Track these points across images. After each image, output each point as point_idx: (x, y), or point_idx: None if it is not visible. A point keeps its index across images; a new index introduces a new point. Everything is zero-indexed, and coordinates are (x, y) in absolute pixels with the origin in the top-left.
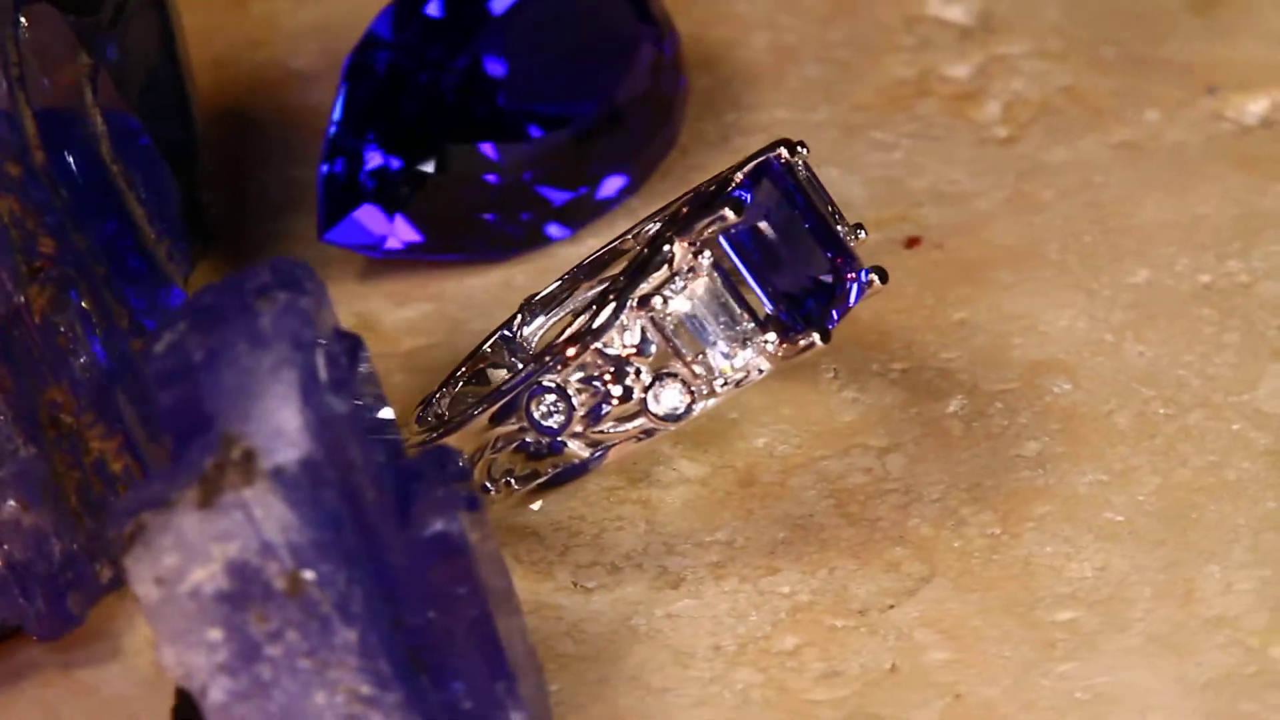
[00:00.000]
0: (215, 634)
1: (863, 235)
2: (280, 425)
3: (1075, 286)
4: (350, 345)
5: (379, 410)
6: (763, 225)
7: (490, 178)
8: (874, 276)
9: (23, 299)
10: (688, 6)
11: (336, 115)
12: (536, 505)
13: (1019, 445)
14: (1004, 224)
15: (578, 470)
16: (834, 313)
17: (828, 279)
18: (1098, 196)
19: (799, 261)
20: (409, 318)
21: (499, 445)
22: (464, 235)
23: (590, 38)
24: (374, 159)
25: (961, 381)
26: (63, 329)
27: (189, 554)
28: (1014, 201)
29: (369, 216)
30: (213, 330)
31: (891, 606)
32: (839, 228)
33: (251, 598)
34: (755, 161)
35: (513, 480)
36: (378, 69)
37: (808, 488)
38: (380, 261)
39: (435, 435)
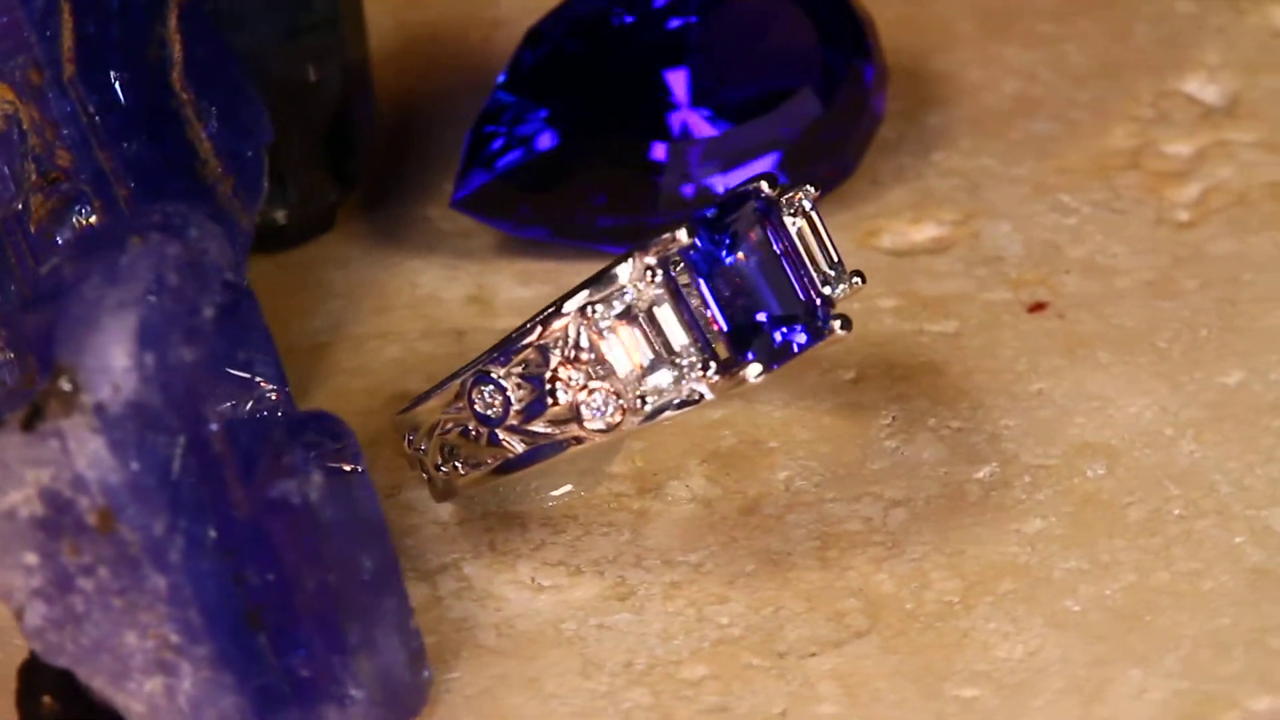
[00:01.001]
0: (30, 558)
1: (858, 283)
2: (109, 363)
3: (1164, 377)
4: (232, 299)
5: (260, 366)
6: (739, 255)
7: (655, 177)
8: (835, 324)
9: (21, 206)
10: (953, 44)
11: (501, 79)
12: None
13: (1023, 520)
14: (1133, 305)
15: (522, 463)
16: (781, 338)
17: (794, 317)
18: (1237, 294)
19: (765, 297)
20: (525, 298)
21: (448, 427)
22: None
23: (776, 53)
24: (525, 135)
25: (1004, 450)
26: (59, 242)
27: (6, 475)
28: (1155, 285)
29: (500, 193)
30: (84, 259)
31: (813, 654)
32: (829, 272)
33: (64, 529)
34: (736, 192)
35: (459, 464)
36: (555, 43)
37: (801, 526)
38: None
39: (400, 411)
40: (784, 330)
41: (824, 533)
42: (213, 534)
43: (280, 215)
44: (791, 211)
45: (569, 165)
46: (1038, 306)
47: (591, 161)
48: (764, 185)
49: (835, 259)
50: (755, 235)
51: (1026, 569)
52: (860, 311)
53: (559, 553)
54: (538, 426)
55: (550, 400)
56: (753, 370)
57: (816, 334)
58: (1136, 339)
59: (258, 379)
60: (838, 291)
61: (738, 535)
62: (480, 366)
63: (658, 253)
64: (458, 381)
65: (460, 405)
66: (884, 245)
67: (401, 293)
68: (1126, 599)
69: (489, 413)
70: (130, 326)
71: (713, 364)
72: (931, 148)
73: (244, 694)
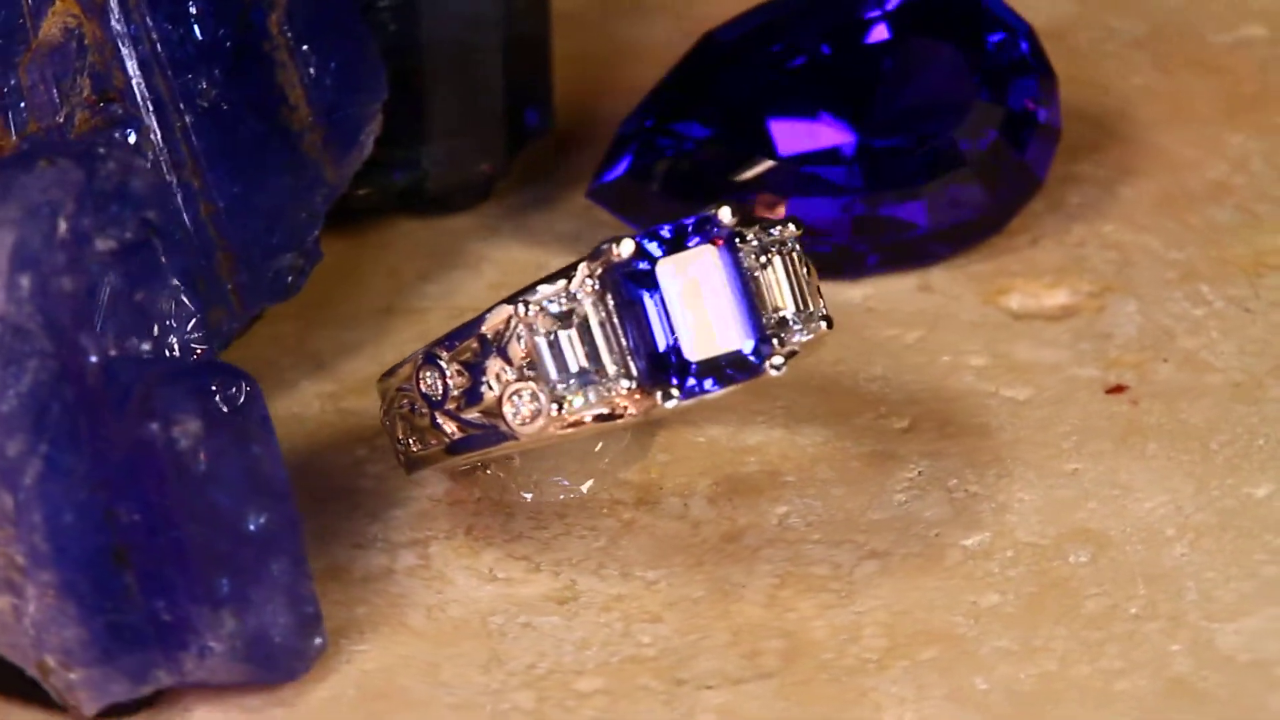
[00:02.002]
0: None
1: (823, 327)
2: None
3: (1196, 478)
4: (140, 239)
5: (168, 310)
6: (689, 280)
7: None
8: (769, 364)
9: (63, 119)
10: (1186, 120)
11: (666, 78)
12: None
13: (982, 593)
14: (1209, 403)
15: (464, 447)
16: (690, 386)
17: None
18: None
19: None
20: None
21: (403, 403)
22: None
23: (934, 98)
24: (671, 139)
25: (1004, 522)
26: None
27: None
28: (1241, 388)
29: (632, 191)
30: None
31: (709, 688)
32: (789, 311)
33: None
34: (698, 217)
35: (412, 440)
36: (725, 53)
37: (771, 562)
38: None
39: (380, 378)
40: (698, 361)
41: (788, 572)
42: (84, 465)
43: (426, 178)
44: (760, 245)
45: (703, 176)
46: (1116, 389)
47: (725, 176)
48: (723, 214)
49: (804, 300)
50: (715, 264)
51: (958, 640)
52: (946, 365)
53: (529, 548)
54: (472, 415)
55: (483, 391)
56: (660, 395)
57: (747, 370)
58: (1192, 437)
59: (167, 321)
60: (796, 334)
61: (705, 560)
62: (431, 348)
63: (603, 263)
64: (412, 360)
65: (410, 383)
66: (1008, 305)
67: (525, 272)
68: (1037, 686)
69: (431, 395)
70: (6, 245)
71: (632, 381)
72: (1108, 218)
73: (89, 626)
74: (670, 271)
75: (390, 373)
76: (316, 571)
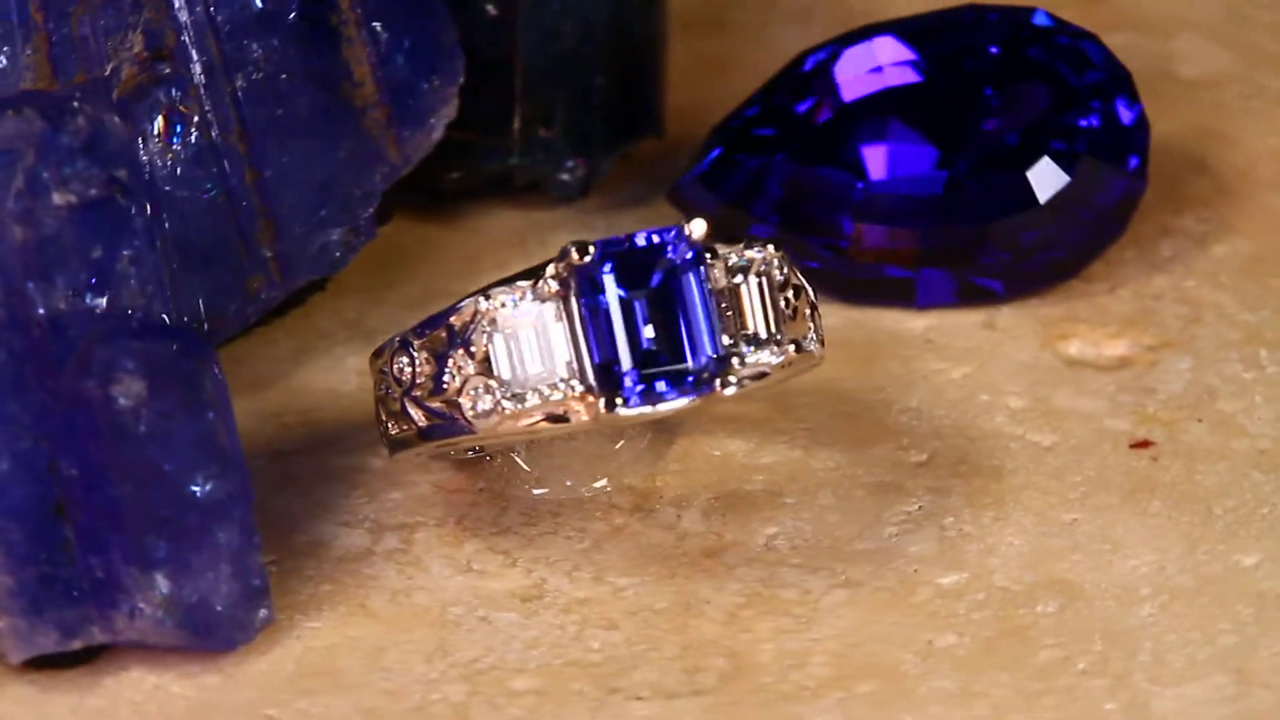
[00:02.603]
0: None
1: (792, 350)
2: None
3: (1190, 540)
4: (105, 196)
5: (129, 270)
6: (654, 291)
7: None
8: (723, 384)
9: (108, 72)
10: None
11: (759, 90)
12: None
13: (940, 633)
14: (1228, 468)
15: (433, 435)
16: (635, 397)
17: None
18: None
19: (674, 341)
20: None
21: (381, 385)
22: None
23: (1027, 123)
24: (748, 155)
25: (986, 565)
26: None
27: None
28: (1267, 454)
29: (705, 199)
30: None
31: (640, 699)
32: (760, 333)
33: None
34: (672, 229)
35: (390, 423)
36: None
37: (743, 581)
38: None
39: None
40: (646, 374)
41: (757, 593)
42: (27, 415)
43: (514, 167)
44: (735, 264)
45: (776, 192)
46: (1141, 444)
47: (800, 195)
48: (693, 229)
49: (773, 323)
50: (661, 275)
51: (900, 677)
52: (982, 404)
53: (512, 543)
54: (435, 404)
55: (445, 381)
56: (602, 403)
57: (697, 387)
58: (1200, 499)
59: (128, 281)
60: (760, 357)
61: (679, 573)
62: (406, 334)
63: (566, 266)
64: (390, 343)
65: (388, 366)
66: (1066, 350)
67: None
68: None
69: (402, 380)
70: None
71: (583, 386)
72: (1191, 273)
73: (18, 576)
74: (623, 280)
75: (378, 353)
76: (298, 545)
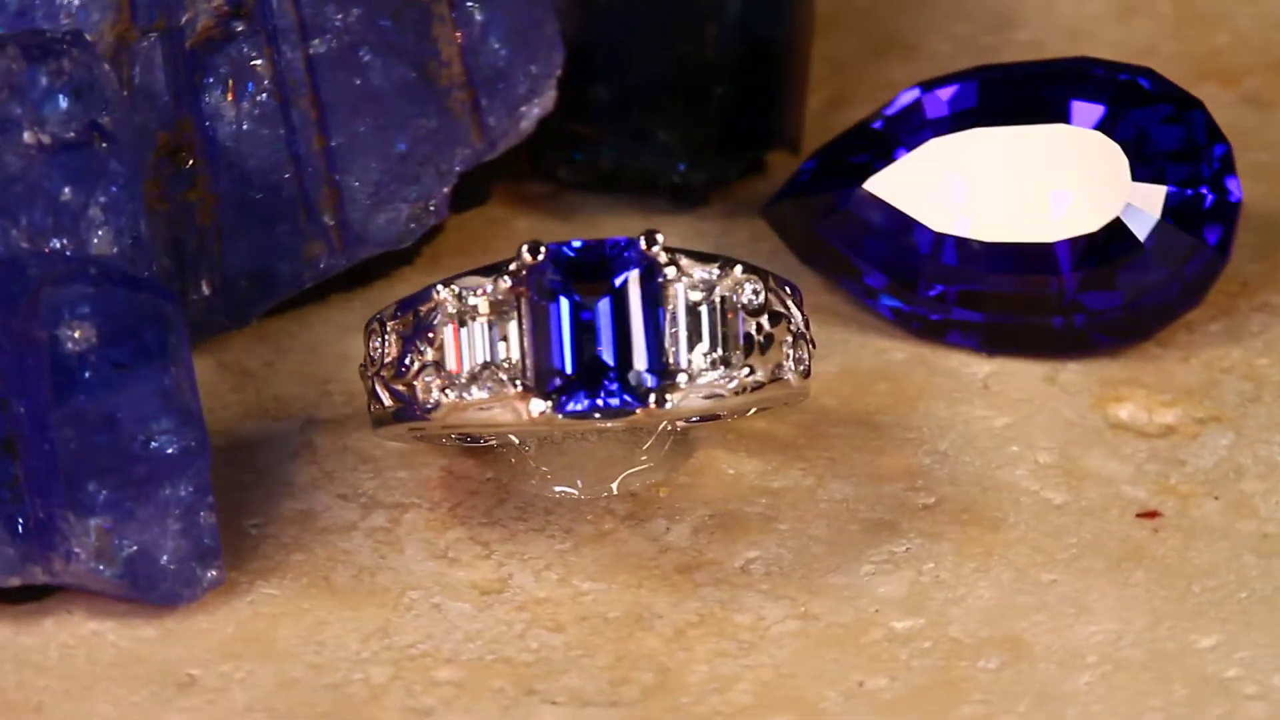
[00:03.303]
0: None
1: (745, 374)
2: None
3: (1157, 614)
4: (83, 140)
5: (94, 213)
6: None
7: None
8: (653, 399)
9: (184, 21)
10: None
11: (862, 122)
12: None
13: (874, 675)
14: (1226, 549)
15: (402, 417)
16: (564, 403)
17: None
18: None
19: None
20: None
21: (362, 364)
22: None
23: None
24: (836, 181)
25: (946, 615)
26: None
27: None
28: (1268, 540)
29: (791, 219)
30: None
31: (555, 704)
32: (715, 353)
33: None
34: (625, 240)
35: (372, 401)
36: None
37: (703, 600)
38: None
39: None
40: (584, 381)
41: (712, 614)
42: None
43: (622, 168)
44: (694, 282)
45: (852, 226)
46: (1149, 514)
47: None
48: (645, 242)
49: (727, 347)
50: (613, 285)
51: (816, 714)
52: (1010, 455)
53: (495, 535)
54: (398, 386)
55: (406, 366)
56: (535, 405)
57: (628, 400)
58: (1183, 576)
59: (97, 228)
60: (711, 378)
61: (645, 585)
62: (383, 313)
63: (521, 266)
64: (373, 319)
65: (367, 343)
66: (1116, 413)
67: None
68: None
69: (375, 358)
70: None
71: (520, 386)
72: (1268, 352)
73: None
74: (570, 285)
75: (366, 327)
76: (288, 512)
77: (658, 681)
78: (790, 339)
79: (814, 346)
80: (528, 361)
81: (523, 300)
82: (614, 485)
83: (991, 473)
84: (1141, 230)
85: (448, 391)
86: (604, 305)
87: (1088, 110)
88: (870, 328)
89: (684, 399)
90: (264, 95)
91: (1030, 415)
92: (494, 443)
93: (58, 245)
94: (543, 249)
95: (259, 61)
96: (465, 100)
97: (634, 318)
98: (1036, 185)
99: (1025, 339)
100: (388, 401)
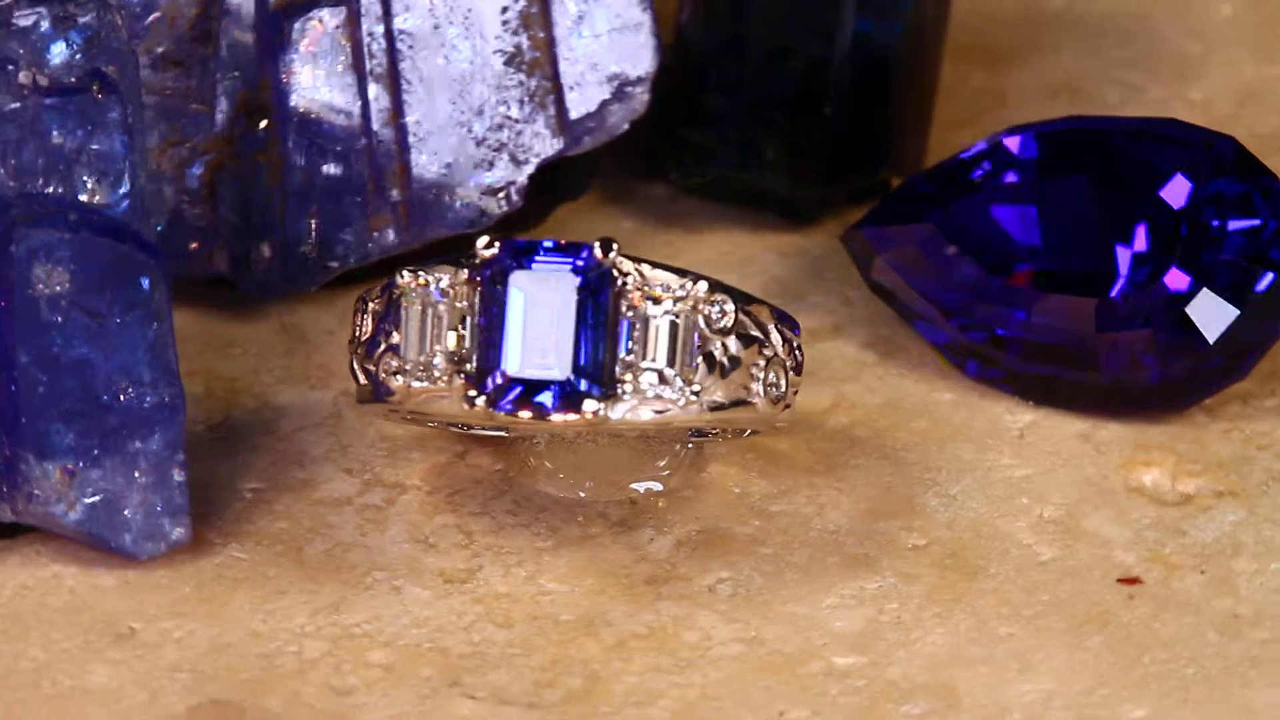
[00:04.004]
0: None
1: (695, 391)
2: None
3: (1097, 681)
4: (82, 86)
5: (89, 159)
6: (532, 297)
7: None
8: (584, 413)
9: None
10: None
11: (969, 151)
12: None
13: (796, 708)
14: (1193, 621)
15: (373, 397)
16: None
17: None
18: None
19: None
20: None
21: (350, 340)
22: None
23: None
24: (905, 211)
25: (891, 657)
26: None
27: None
28: (1236, 619)
29: (865, 248)
30: None
31: (473, 698)
32: (657, 365)
33: None
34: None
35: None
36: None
37: (656, 613)
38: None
39: None
40: (522, 381)
41: (663, 628)
42: None
43: (725, 179)
44: (654, 294)
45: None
46: (1130, 580)
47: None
48: (599, 249)
49: (680, 363)
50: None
51: None
52: (1017, 507)
53: (482, 526)
54: (369, 366)
55: (376, 345)
56: (475, 400)
57: (563, 406)
58: (1138, 645)
59: (88, 176)
60: (662, 393)
61: (609, 591)
62: (367, 292)
63: (478, 259)
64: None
65: (352, 319)
66: (1139, 477)
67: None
68: None
69: (355, 334)
70: None
71: (460, 379)
72: None
73: None
74: (520, 283)
75: (355, 304)
76: (290, 480)
77: (583, 688)
78: (763, 363)
79: (796, 375)
80: (475, 355)
81: (479, 293)
82: (629, 488)
83: (992, 521)
84: (1199, 301)
85: (398, 376)
86: (546, 305)
87: (1162, 173)
88: (927, 365)
89: (629, 410)
90: (342, 65)
91: (1053, 469)
92: (504, 433)
93: (45, 188)
94: (496, 244)
95: (341, 30)
96: (550, 91)
97: (571, 319)
98: (1100, 240)
99: (1066, 393)
100: (362, 380)
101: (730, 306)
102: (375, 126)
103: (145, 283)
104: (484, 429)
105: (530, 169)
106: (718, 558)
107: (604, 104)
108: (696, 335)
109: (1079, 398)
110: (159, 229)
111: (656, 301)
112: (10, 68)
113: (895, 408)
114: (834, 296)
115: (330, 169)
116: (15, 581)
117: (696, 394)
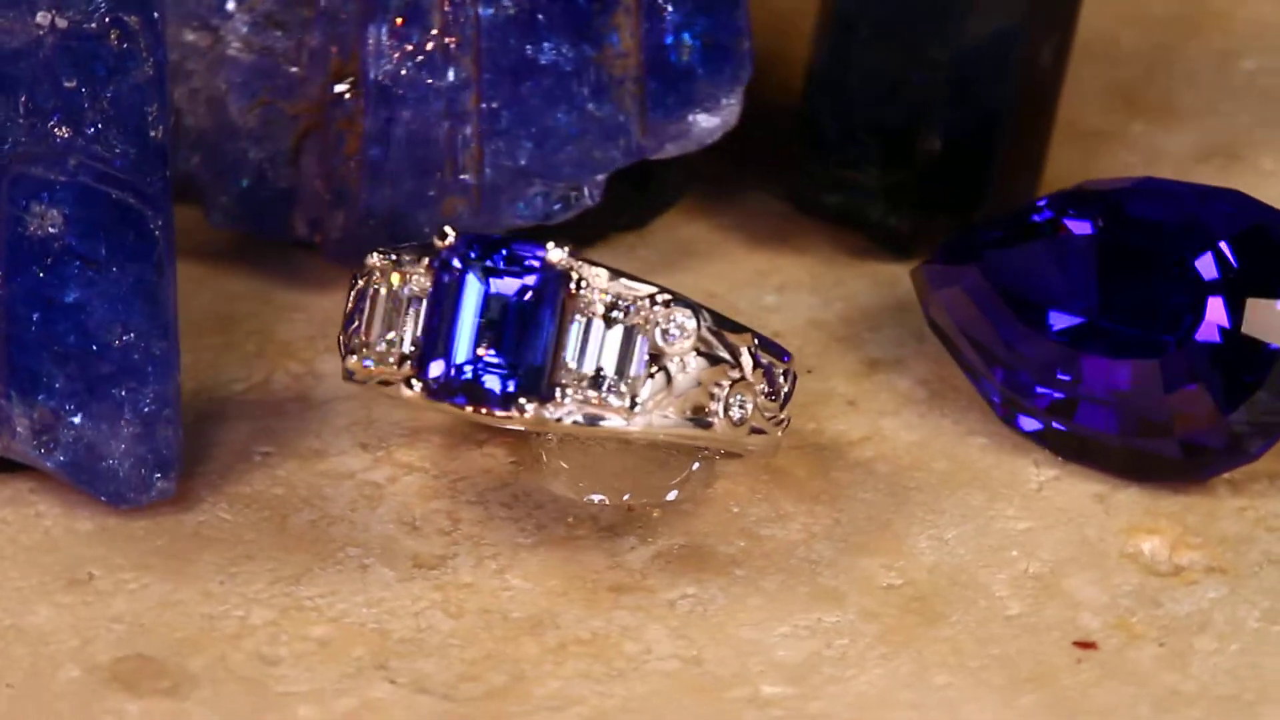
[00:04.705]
0: None
1: (627, 399)
2: None
3: None
4: (100, 32)
5: (101, 105)
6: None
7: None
8: (514, 411)
9: None
10: None
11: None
12: None
13: None
14: (1130, 693)
15: (346, 377)
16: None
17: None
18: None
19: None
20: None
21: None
22: None
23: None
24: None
25: (822, 693)
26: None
27: None
28: (1176, 695)
29: (924, 284)
30: None
31: (392, 682)
32: (606, 372)
33: None
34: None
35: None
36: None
37: (608, 621)
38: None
39: None
40: (463, 373)
41: (608, 636)
42: None
43: (828, 204)
44: (610, 300)
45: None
46: (1084, 644)
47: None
48: (548, 250)
49: (621, 372)
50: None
51: None
52: (1004, 559)
53: (473, 515)
54: (343, 341)
55: (350, 326)
56: (413, 387)
57: (496, 400)
58: (1070, 712)
59: (95, 124)
60: (591, 395)
61: (570, 594)
62: (358, 270)
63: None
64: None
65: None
66: (1134, 545)
67: (797, 323)
68: None
69: (345, 310)
70: None
71: (403, 365)
72: None
73: None
74: (472, 277)
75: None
76: (302, 448)
77: (504, 686)
78: (726, 385)
79: (771, 400)
80: (417, 340)
81: (434, 281)
82: (622, 497)
83: (973, 570)
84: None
85: (354, 355)
86: (493, 302)
87: (1204, 242)
88: (973, 409)
89: (567, 414)
90: (429, 44)
91: (1055, 526)
92: (520, 427)
93: (54, 131)
94: (454, 235)
95: (434, 9)
96: (635, 94)
97: (527, 323)
98: (1141, 304)
99: (1096, 452)
100: (342, 355)
101: (690, 324)
102: (456, 109)
103: (145, 234)
104: (498, 422)
105: (610, 169)
106: (690, 574)
107: (690, 112)
108: (647, 348)
109: (1110, 458)
110: (243, 185)
111: (609, 309)
112: (29, 6)
113: (923, 447)
114: (907, 331)
115: (408, 145)
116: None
117: (637, 405)
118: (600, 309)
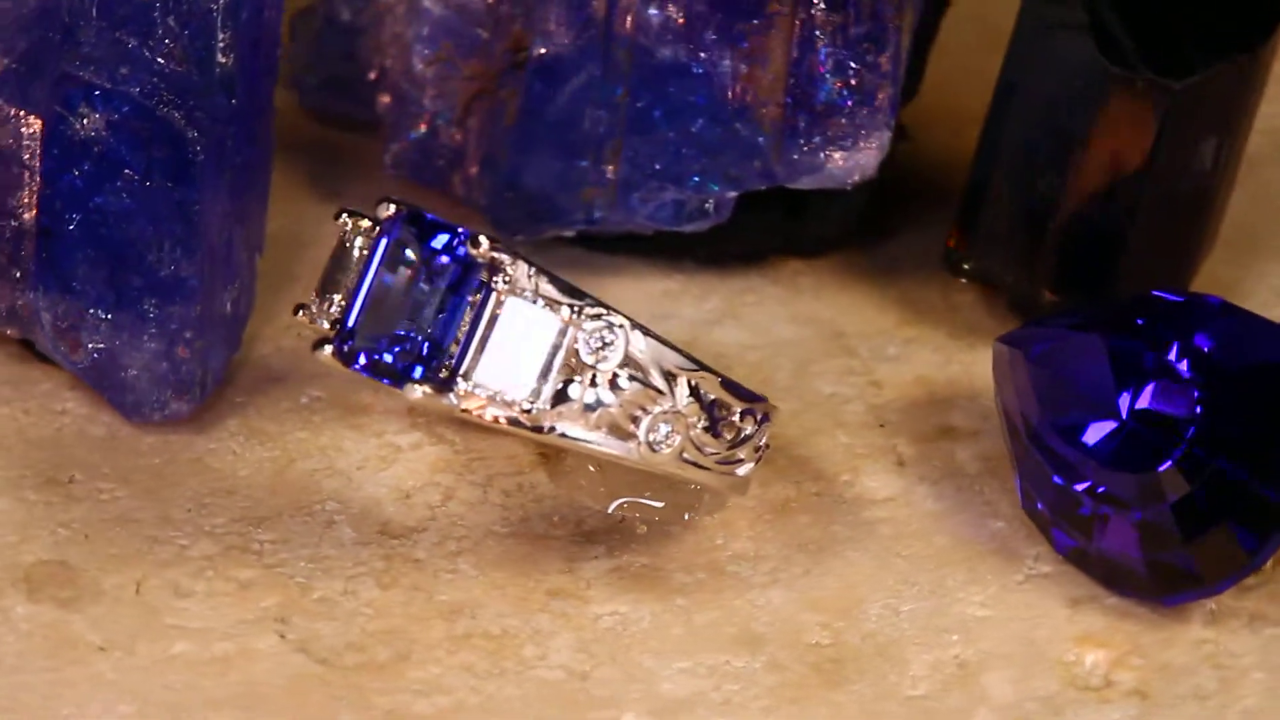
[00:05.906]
0: None
1: (521, 400)
2: None
3: None
4: None
5: (146, 53)
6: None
7: None
8: (406, 391)
9: None
10: None
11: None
12: None
13: None
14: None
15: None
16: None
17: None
18: None
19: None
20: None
21: None
22: None
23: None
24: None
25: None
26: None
27: None
28: None
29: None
30: None
31: (282, 637)
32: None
33: None
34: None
35: None
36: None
37: (525, 621)
38: None
39: None
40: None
41: (515, 635)
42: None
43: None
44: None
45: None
46: None
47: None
48: (478, 242)
49: (535, 372)
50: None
51: None
52: (943, 642)
53: (469, 496)
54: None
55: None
56: (326, 350)
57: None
58: None
59: (166, 39)
60: (491, 392)
61: (507, 589)
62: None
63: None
64: None
65: None
66: (1077, 654)
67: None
68: None
69: None
70: None
71: (326, 326)
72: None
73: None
74: (393, 252)
75: None
76: (352, 404)
77: (384, 663)
78: (654, 410)
79: (713, 438)
80: (350, 304)
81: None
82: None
83: (903, 646)
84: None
85: (302, 311)
86: (415, 279)
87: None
88: (1009, 491)
89: (461, 402)
90: (592, 31)
91: (1012, 621)
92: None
93: (121, 37)
94: (392, 207)
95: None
96: (775, 119)
97: (435, 306)
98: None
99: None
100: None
101: (619, 342)
102: (606, 99)
103: (189, 158)
104: None
105: (740, 187)
106: (632, 593)
107: (824, 149)
108: (560, 356)
109: (1089, 564)
110: (414, 136)
111: (529, 306)
112: None
113: (938, 520)
114: (989, 402)
115: (557, 128)
116: (24, 408)
117: (531, 409)
118: (519, 305)
